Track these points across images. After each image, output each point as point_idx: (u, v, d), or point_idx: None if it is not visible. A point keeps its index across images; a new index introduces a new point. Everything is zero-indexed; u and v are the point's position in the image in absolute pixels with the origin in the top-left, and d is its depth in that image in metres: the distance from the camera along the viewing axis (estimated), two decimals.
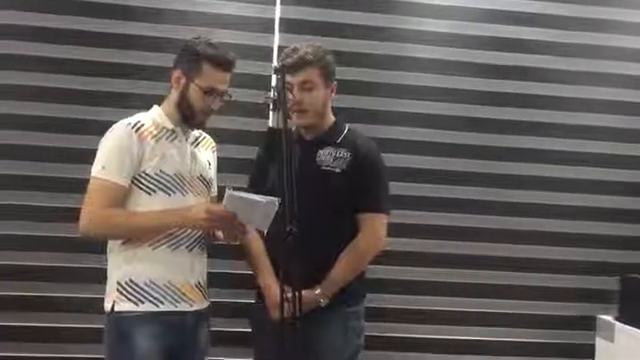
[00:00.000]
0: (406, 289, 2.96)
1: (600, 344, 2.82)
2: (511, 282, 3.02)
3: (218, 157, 2.25)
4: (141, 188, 1.94)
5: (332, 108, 2.33)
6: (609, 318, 2.79)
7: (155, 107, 2.07)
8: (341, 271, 2.11)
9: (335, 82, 2.28)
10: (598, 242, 3.07)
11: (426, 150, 2.99)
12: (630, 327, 2.66)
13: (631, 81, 3.11)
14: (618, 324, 2.73)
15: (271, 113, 1.93)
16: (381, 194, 2.24)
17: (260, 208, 1.84)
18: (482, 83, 3.03)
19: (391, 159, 2.54)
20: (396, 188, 2.58)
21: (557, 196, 3.06)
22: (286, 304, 1.74)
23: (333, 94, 2.28)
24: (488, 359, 3.01)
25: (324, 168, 2.18)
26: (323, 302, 2.08)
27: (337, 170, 2.18)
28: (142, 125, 1.97)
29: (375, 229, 2.20)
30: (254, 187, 2.21)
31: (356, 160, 2.20)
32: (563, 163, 3.07)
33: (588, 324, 2.90)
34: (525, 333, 3.04)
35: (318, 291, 2.07)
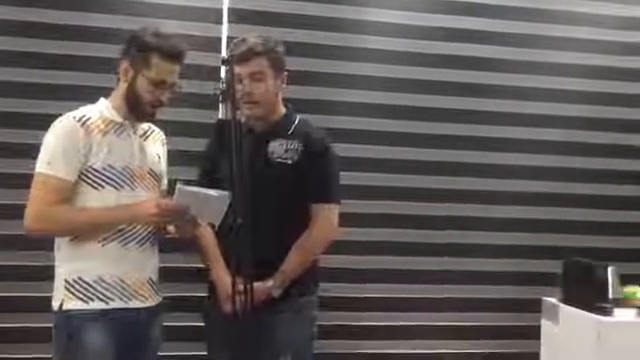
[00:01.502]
0: (359, 278, 3.00)
1: (545, 325, 2.92)
2: (460, 267, 3.11)
3: (168, 150, 2.22)
4: (89, 183, 1.89)
5: (283, 99, 2.32)
6: (554, 300, 2.89)
7: (102, 100, 2.02)
8: (293, 262, 2.12)
9: (286, 73, 2.27)
10: (543, 226, 3.19)
11: (377, 139, 3.04)
12: (573, 308, 2.76)
13: (575, 70, 3.23)
14: (562, 305, 2.82)
15: (221, 105, 1.92)
16: (332, 184, 2.25)
17: (212, 202, 1.83)
18: (431, 73, 3.09)
19: (343, 149, 2.57)
20: (348, 178, 2.61)
21: (503, 183, 3.17)
22: (238, 296, 1.73)
23: (284, 85, 2.28)
24: (438, 343, 3.09)
25: (276, 159, 2.18)
26: (276, 293, 2.09)
27: (289, 161, 2.18)
28: (88, 119, 1.92)
29: (327, 219, 2.21)
30: (204, 180, 2.20)
31: (307, 151, 2.20)
32: (507, 151, 3.16)
33: (534, 306, 3.00)
34: (473, 317, 3.13)
35: (271, 282, 2.08)
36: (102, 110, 1.97)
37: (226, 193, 1.81)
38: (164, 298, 2.10)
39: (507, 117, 3.16)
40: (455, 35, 3.11)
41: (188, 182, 1.96)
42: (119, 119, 1.98)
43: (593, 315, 2.63)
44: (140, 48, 1.95)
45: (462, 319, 3.12)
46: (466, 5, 3.12)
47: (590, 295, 2.70)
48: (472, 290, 3.12)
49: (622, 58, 3.27)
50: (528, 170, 3.18)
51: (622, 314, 2.65)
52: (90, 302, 1.87)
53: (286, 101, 2.34)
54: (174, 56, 1.96)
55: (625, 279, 2.86)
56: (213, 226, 2.11)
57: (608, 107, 3.26)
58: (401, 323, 3.05)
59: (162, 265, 2.11)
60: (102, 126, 1.93)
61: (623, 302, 2.73)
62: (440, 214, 3.10)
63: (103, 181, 1.90)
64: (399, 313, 3.05)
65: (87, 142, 1.88)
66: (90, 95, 2.09)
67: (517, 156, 3.17)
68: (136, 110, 1.98)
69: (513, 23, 3.16)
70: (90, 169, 1.89)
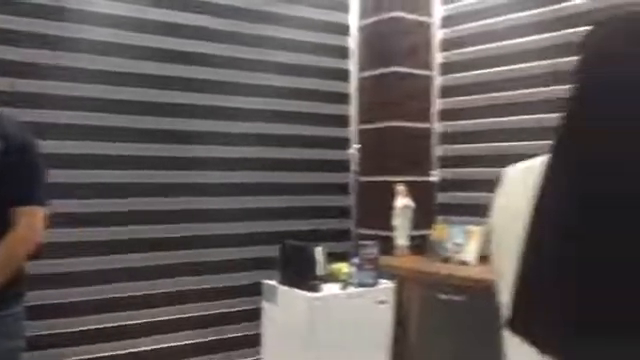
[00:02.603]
0: (71, 281, 2.85)
1: (266, 307, 3.12)
2: (180, 260, 3.15)
3: None
4: None
5: None
6: (273, 282, 3.10)
7: None
8: None
9: None
10: (260, 214, 3.39)
11: (86, 134, 2.91)
12: (289, 288, 3.00)
13: (286, 68, 3.48)
14: (280, 286, 3.05)
15: None
16: (35, 185, 2.08)
17: None
18: (143, 66, 3.06)
19: (49, 146, 2.41)
20: (55, 176, 2.46)
21: (219, 175, 3.29)
22: None
23: None
24: (160, 338, 3.11)
25: None
26: None
27: None
28: None
29: (29, 223, 2.03)
30: None
31: (7, 150, 2.00)
32: (222, 144, 3.29)
33: (255, 290, 3.19)
34: (196, 307, 3.21)
35: None
36: None
37: None
38: None
39: (219, 111, 3.28)
40: (167, 29, 3.12)
41: None
42: None
43: (304, 292, 2.90)
44: None
45: (185, 311, 3.18)
46: (186, 2, 3.16)
47: (302, 274, 2.97)
48: (195, 281, 3.20)
49: (321, 59, 3.62)
50: (243, 162, 3.35)
51: (328, 289, 2.97)
52: None
53: None
54: None
55: (335, 256, 3.21)
56: None
57: (310, 102, 3.58)
58: (121, 323, 3.00)
59: None
60: None
61: (330, 278, 3.06)
62: (156, 209, 3.10)
63: None
64: (114, 314, 2.99)
65: None
66: None
67: (231, 149, 3.32)
68: None
69: (225, 21, 3.29)
70: None
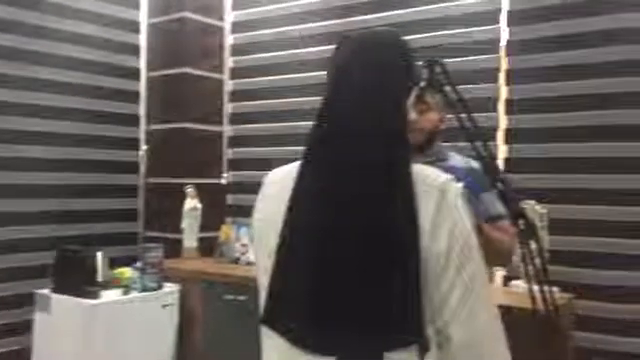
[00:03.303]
0: None
1: (38, 317, 2.89)
2: None
3: None
4: None
5: None
6: (46, 291, 2.88)
7: None
8: None
9: None
10: (35, 218, 3.13)
11: None
12: (65, 296, 2.80)
13: (74, 63, 3.27)
14: (54, 295, 2.84)
15: None
16: None
17: None
18: None
19: None
20: None
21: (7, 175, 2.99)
22: None
23: None
24: None
25: None
26: None
27: None
28: None
29: None
30: None
31: None
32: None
33: (27, 301, 2.93)
34: None
35: None
36: None
37: None
38: None
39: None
40: None
41: None
42: None
43: (82, 300, 2.74)
44: None
45: None
46: None
47: (80, 281, 2.80)
48: None
49: (111, 55, 3.47)
50: (20, 160, 3.07)
51: (108, 295, 2.84)
52: None
53: None
54: None
55: (120, 261, 3.08)
56: None
57: (98, 100, 3.39)
58: None
59: None
60: None
61: (112, 283, 2.94)
62: None
63: None
64: None
65: None
66: None
67: (7, 147, 3.02)
68: None
69: (8, 9, 3.01)
70: None
